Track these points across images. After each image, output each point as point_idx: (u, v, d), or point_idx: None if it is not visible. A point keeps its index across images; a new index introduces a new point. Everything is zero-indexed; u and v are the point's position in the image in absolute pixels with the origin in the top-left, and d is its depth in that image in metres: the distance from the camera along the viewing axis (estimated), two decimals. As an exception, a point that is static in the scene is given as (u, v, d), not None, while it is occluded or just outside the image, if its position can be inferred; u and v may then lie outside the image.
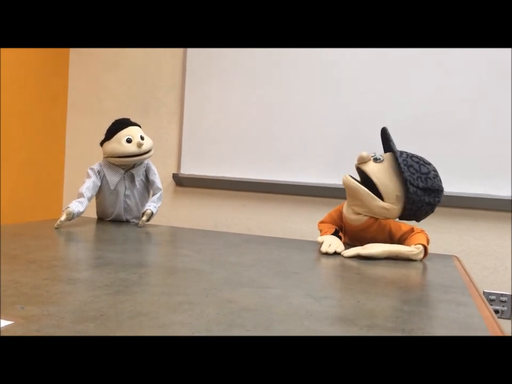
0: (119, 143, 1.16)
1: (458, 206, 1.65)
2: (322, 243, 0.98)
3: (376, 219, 0.99)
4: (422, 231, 0.97)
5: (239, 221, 1.89)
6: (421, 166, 0.97)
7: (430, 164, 0.99)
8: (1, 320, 0.44)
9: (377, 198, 0.96)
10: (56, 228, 1.04)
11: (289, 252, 0.95)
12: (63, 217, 1.06)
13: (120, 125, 1.19)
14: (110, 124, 1.22)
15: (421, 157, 1.00)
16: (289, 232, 1.82)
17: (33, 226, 1.05)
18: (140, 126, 1.23)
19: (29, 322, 0.44)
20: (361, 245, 1.02)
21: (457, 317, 0.55)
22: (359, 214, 1.00)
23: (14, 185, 1.86)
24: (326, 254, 0.94)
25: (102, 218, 1.26)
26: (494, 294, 1.61)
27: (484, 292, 1.62)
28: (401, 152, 0.99)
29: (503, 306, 1.60)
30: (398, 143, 1.67)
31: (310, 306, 0.56)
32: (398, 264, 0.88)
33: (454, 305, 0.61)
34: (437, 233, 1.67)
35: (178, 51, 1.96)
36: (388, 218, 0.99)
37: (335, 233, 1.04)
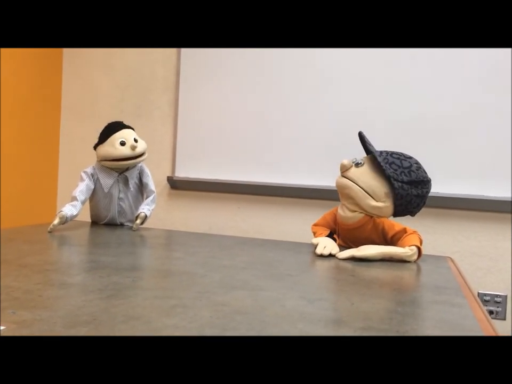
0: (113, 146, 1.16)
1: (452, 207, 1.65)
2: (317, 245, 0.98)
3: (371, 217, 1.00)
4: (414, 231, 0.97)
5: (233, 223, 1.89)
6: (402, 161, 0.99)
7: (411, 158, 1.01)
8: (-8, 326, 0.44)
9: (370, 197, 0.98)
10: (49, 232, 1.03)
11: (283, 254, 0.95)
12: (56, 221, 1.05)
13: (113, 128, 1.19)
14: (103, 127, 1.22)
15: (401, 153, 1.02)
16: (283, 234, 1.82)
17: (26, 231, 1.05)
18: (133, 129, 1.23)
19: (20, 327, 0.44)
20: (355, 245, 1.03)
21: (451, 318, 0.55)
22: (354, 211, 1.01)
23: (7, 189, 1.85)
24: (321, 256, 0.94)
25: (96, 222, 1.26)
26: (488, 294, 1.61)
27: (478, 293, 1.62)
28: (381, 152, 1.02)
29: (498, 307, 1.60)
30: (393, 143, 1.67)
31: (303, 308, 0.56)
32: (392, 266, 0.88)
33: (448, 306, 0.61)
34: (431, 234, 1.68)
35: (172, 54, 1.96)
36: (382, 216, 1.00)
37: (330, 235, 1.04)
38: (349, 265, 0.86)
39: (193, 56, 1.90)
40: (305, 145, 1.77)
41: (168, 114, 1.97)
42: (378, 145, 1.67)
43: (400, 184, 0.97)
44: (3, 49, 1.78)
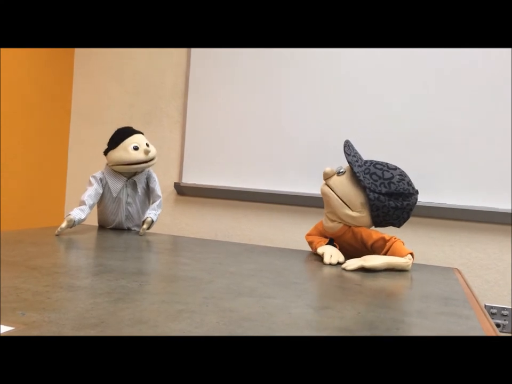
0: (126, 151, 1.17)
1: (459, 218, 1.64)
2: (323, 254, 0.99)
3: (349, 227, 1.02)
4: (396, 238, 0.98)
5: (239, 230, 1.89)
6: (384, 172, 0.99)
7: (395, 169, 1.00)
8: (2, 326, 0.44)
9: (345, 206, 0.99)
10: (56, 235, 1.04)
11: (290, 262, 0.95)
12: (63, 224, 1.06)
13: (124, 133, 1.21)
14: (112, 132, 1.23)
15: (385, 163, 1.02)
16: (290, 243, 1.82)
17: (33, 233, 1.05)
18: (143, 134, 1.24)
19: (29, 329, 0.44)
20: (343, 252, 1.05)
21: (458, 329, 0.55)
22: (334, 221, 1.03)
23: (16, 192, 1.87)
24: (330, 264, 0.95)
25: (103, 226, 1.26)
26: (495, 307, 1.60)
27: (485, 305, 1.61)
28: (366, 161, 1.02)
29: (505, 320, 1.59)
30: (394, 154, 1.67)
31: (310, 316, 0.56)
32: (399, 276, 0.88)
33: (455, 317, 0.61)
34: (438, 245, 1.67)
35: (181, 61, 1.97)
36: (359, 226, 1.01)
37: (330, 243, 1.05)
38: (355, 274, 0.86)
39: (202, 64, 1.91)
40: (314, 154, 1.77)
41: (177, 121, 1.98)
42: (384, 156, 1.67)
43: (376, 195, 0.97)
44: (14, 53, 1.80)
